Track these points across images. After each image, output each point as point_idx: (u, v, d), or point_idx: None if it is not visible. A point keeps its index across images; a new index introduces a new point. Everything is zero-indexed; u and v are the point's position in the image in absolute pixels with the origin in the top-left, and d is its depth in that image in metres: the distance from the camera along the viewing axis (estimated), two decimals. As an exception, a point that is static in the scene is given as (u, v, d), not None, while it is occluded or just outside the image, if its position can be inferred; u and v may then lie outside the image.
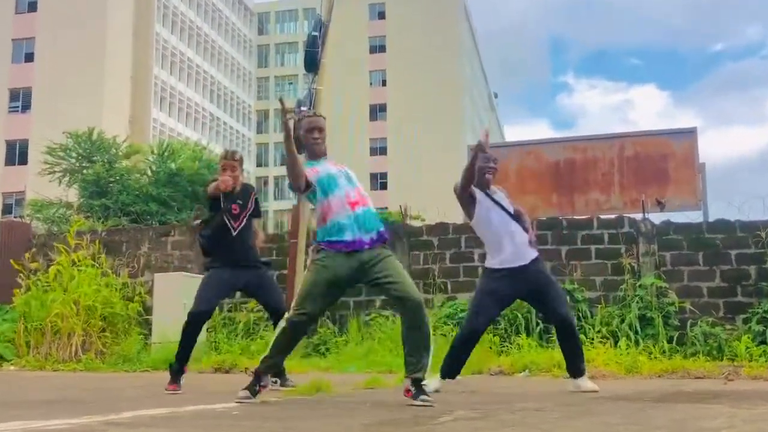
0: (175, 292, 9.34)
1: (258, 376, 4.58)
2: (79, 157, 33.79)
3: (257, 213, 6.11)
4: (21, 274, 10.90)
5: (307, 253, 9.64)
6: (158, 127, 54.02)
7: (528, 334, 9.23)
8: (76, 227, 11.96)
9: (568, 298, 9.49)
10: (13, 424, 3.34)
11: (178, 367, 5.67)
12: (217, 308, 10.57)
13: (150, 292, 10.85)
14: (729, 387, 6.05)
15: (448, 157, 49.29)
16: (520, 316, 9.39)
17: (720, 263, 9.74)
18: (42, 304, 10.29)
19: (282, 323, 4.63)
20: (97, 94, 47.35)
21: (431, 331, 4.52)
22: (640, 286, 9.58)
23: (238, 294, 10.65)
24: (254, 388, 4.54)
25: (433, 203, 14.62)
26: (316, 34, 9.63)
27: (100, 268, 10.88)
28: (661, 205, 11.21)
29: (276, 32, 74.85)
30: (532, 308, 9.31)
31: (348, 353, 9.30)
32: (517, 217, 5.37)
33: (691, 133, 12.04)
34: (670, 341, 8.96)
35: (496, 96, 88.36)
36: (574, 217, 11.07)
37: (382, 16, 64.60)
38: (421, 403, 4.20)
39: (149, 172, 33.11)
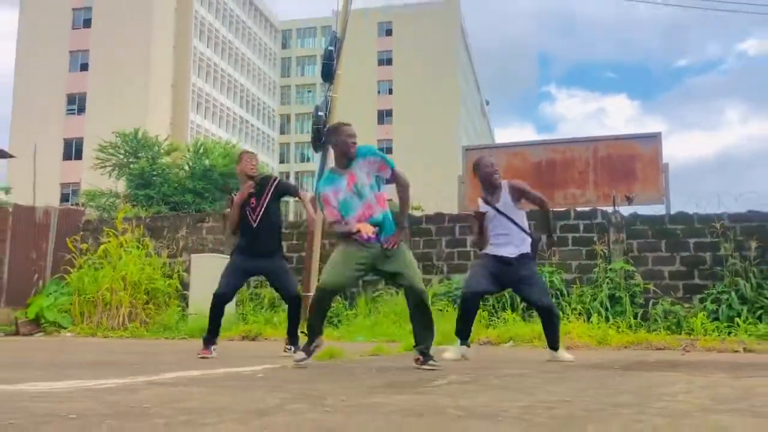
0: (208, 271, 9.37)
1: (310, 338, 4.68)
2: (127, 154, 33.84)
3: (286, 192, 5.99)
4: (74, 254, 10.96)
5: (329, 244, 9.66)
6: (195, 128, 54.01)
7: (513, 310, 9.24)
8: (123, 214, 12.03)
9: (546, 279, 9.51)
10: (69, 383, 3.36)
11: (208, 337, 5.70)
12: (245, 285, 10.73)
13: (187, 270, 10.88)
14: (686, 357, 6.05)
15: (444, 156, 49.34)
16: (506, 294, 9.39)
17: (680, 250, 9.71)
18: (94, 279, 10.35)
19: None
20: (143, 99, 47.39)
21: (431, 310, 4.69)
22: (610, 269, 9.57)
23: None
24: (309, 349, 4.66)
25: (431, 195, 14.64)
26: (332, 48, 9.59)
27: (144, 250, 10.94)
28: (629, 200, 11.16)
29: (297, 46, 74.76)
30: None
31: (357, 325, 9.32)
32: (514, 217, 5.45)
33: (655, 137, 11.97)
34: (635, 317, 8.96)
35: (487, 103, 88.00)
36: (554, 209, 11.04)
37: (389, 33, 64.37)
38: (430, 367, 4.42)
39: (186, 168, 33.13)
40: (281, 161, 70.90)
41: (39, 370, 4.39)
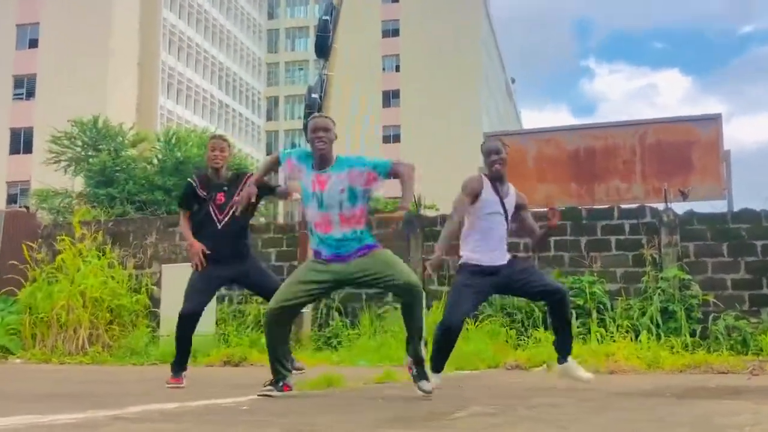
0: (183, 284, 9.30)
1: (282, 374, 4.72)
2: (85, 146, 33.93)
3: (268, 190, 5.87)
4: (27, 265, 10.98)
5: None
6: (165, 114, 54.18)
7: (546, 328, 9.22)
8: (80, 217, 12.04)
9: (585, 290, 9.50)
10: (19, 419, 3.37)
11: (178, 364, 5.69)
12: (226, 301, 10.76)
13: (158, 283, 10.91)
14: (754, 382, 6.02)
15: (463, 145, 49.17)
16: (537, 309, 9.38)
17: (745, 254, 9.68)
18: (48, 295, 10.37)
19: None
20: (103, 80, 47.49)
21: (424, 317, 4.70)
22: (662, 278, 9.54)
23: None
24: (278, 386, 4.66)
25: (448, 192, 14.61)
26: (327, 18, 9.63)
27: (106, 259, 10.96)
28: (684, 195, 11.13)
29: (286, 16, 74.83)
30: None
31: (360, 347, 9.32)
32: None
33: (715, 119, 11.94)
34: (692, 335, 8.94)
35: (513, 82, 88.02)
36: (594, 206, 11.03)
37: (395, -1, 64.41)
38: (423, 391, 4.52)
39: (155, 161, 33.20)
40: (268, 152, 70.99)
41: (-17, 403, 4.41)
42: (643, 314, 9.24)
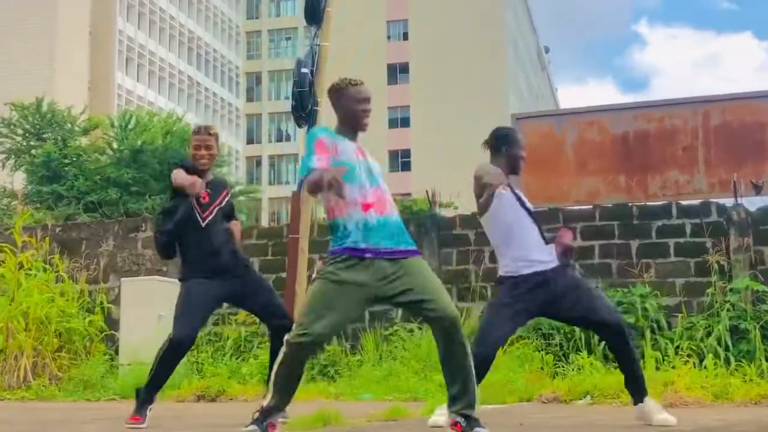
0: (146, 301, 9.43)
1: (265, 413, 4.56)
2: (26, 135, 34.05)
3: (231, 213, 6.07)
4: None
5: (319, 259, 9.67)
6: (124, 94, 54.39)
7: (590, 353, 9.21)
8: (21, 221, 12.05)
9: (637, 305, 9.50)
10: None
11: (146, 396, 5.70)
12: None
13: (116, 301, 10.92)
14: None
15: (487, 129, 48.86)
16: (578, 330, 9.38)
17: (834, 261, 9.67)
18: (-18, 317, 10.39)
19: (282, 348, 4.60)
20: (48, 54, 47.64)
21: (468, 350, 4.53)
22: (731, 290, 9.52)
23: (224, 304, 10.75)
24: (262, 425, 4.48)
25: (468, 188, 14.60)
26: (320, -24, 9.64)
27: (53, 272, 10.97)
28: (758, 188, 11.10)
29: (269, -26, 74.92)
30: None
31: (363, 376, 9.33)
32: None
33: (796, 95, 11.93)
34: (769, 360, 8.92)
35: (547, 51, 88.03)
36: (648, 203, 11.01)
37: (402, -49, 64.47)
38: None
39: (110, 151, 33.21)
40: (249, 140, 71.08)
41: None
42: (709, 334, 9.21)
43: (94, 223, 13.99)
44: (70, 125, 34.48)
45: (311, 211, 9.94)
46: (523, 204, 5.35)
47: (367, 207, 4.42)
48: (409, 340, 9.76)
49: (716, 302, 9.55)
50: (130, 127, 33.74)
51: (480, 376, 5.18)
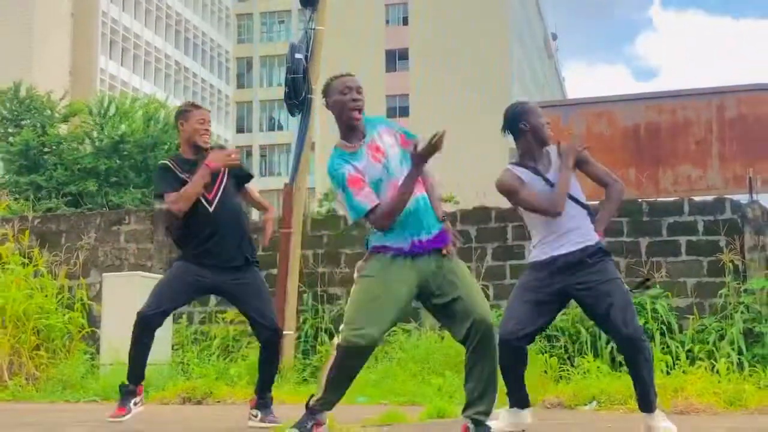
0: (129, 298, 9.38)
1: (312, 411, 4.75)
2: (3, 121, 33.98)
3: (245, 177, 6.01)
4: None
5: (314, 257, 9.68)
6: (107, 80, 54.31)
7: (596, 356, 9.23)
8: (0, 213, 12.05)
9: (647, 306, 9.51)
10: None
11: (131, 387, 5.72)
12: (186, 320, 10.76)
13: (97, 297, 10.91)
14: None
15: (489, 120, 48.89)
16: (584, 331, 9.39)
17: None
18: (-44, 313, 10.39)
19: (333, 350, 4.75)
20: (27, 36, 47.55)
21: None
22: (745, 291, 9.55)
23: (213, 300, 10.75)
24: (306, 426, 4.65)
25: (469, 180, 14.63)
26: (315, -45, 9.63)
27: (32, 266, 10.96)
28: (774, 184, 11.14)
29: (262, -46, 74.80)
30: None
31: (357, 378, 9.31)
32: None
33: (816, 86, 11.95)
34: (786, 364, 8.94)
35: (555, 38, 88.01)
36: (659, 199, 11.03)
37: (402, -69, 64.42)
38: None
39: (89, 140, 33.10)
40: (239, 129, 71.03)
41: None
42: (722, 338, 9.24)
43: (75, 215, 13.96)
44: (49, 111, 34.41)
45: (304, 205, 9.93)
46: (549, 183, 5.31)
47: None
48: (406, 341, 9.76)
49: (730, 304, 9.57)
50: (110, 114, 33.57)
51: (509, 363, 5.30)
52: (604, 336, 9.32)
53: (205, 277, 5.70)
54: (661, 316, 9.50)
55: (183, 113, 5.92)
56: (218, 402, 8.63)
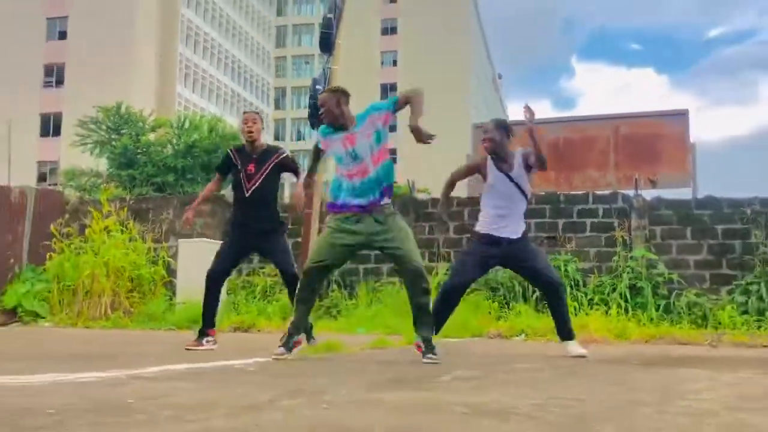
0: (197, 257, 9.38)
1: (290, 333, 4.75)
2: (109, 130, 33.75)
3: (287, 167, 5.88)
4: (54, 238, 10.96)
5: (321, 222, 9.66)
6: (183, 102, 53.86)
7: (525, 301, 9.26)
8: (106, 195, 12.02)
9: (561, 268, 9.53)
10: (48, 376, 3.38)
11: (202, 329, 5.71)
12: (235, 272, 10.75)
13: (174, 256, 10.90)
14: (712, 353, 6.07)
15: (454, 135, 49.01)
16: (517, 284, 9.42)
17: (707, 238, 9.70)
18: (74, 266, 10.36)
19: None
20: (126, 70, 47.19)
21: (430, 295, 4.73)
22: (631, 257, 9.57)
23: (256, 259, 10.74)
24: (288, 345, 4.69)
25: (439, 177, 14.59)
26: (331, 16, 9.54)
27: (128, 234, 10.94)
28: (653, 183, 11.15)
29: (294, 13, 74.35)
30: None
31: (357, 316, 9.35)
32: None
33: (683, 115, 11.94)
34: (657, 309, 8.98)
35: (500, 77, 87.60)
36: (571, 192, 11.03)
37: (393, 0, 63.99)
38: (429, 360, 4.44)
39: (170, 145, 33.04)
40: (276, 138, 70.74)
41: (15, 362, 4.42)
42: (614, 290, 9.27)
43: (159, 198, 13.90)
44: (141, 124, 34.18)
45: (321, 193, 9.91)
46: (510, 179, 5.32)
47: (350, 177, 4.67)
48: (392, 291, 9.77)
49: (620, 266, 9.60)
50: (185, 126, 33.48)
51: (447, 308, 5.32)
52: (531, 288, 9.36)
53: (248, 240, 5.73)
54: (571, 275, 9.53)
55: (242, 118, 6.01)
56: (259, 331, 8.65)
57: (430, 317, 4.66)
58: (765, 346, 6.83)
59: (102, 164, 32.95)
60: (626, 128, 12.04)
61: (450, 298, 5.28)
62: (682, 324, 8.56)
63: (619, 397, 2.91)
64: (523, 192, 5.29)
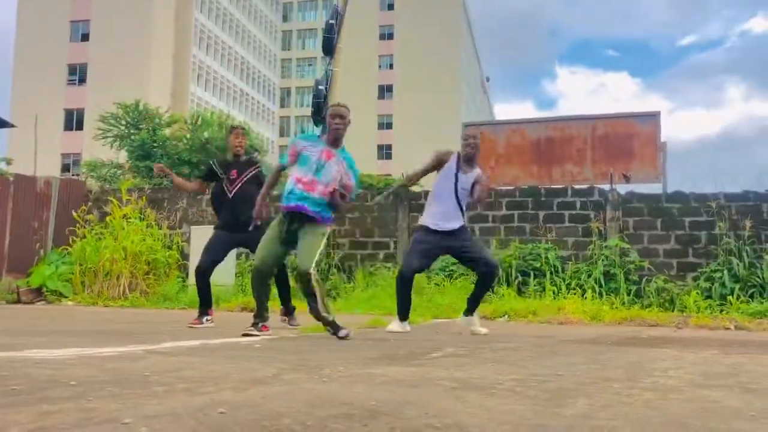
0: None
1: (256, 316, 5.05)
2: (128, 125, 33.60)
3: (260, 184, 5.80)
4: (77, 224, 10.95)
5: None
6: (195, 100, 53.66)
7: (508, 286, 9.28)
8: (126, 185, 12.01)
9: (542, 255, 9.54)
10: (70, 351, 3.38)
11: (201, 309, 5.79)
12: (243, 257, 10.76)
13: (187, 241, 10.90)
14: (678, 334, 6.09)
15: (445, 131, 48.97)
16: (501, 269, 9.43)
17: (675, 229, 9.74)
18: (96, 249, 10.36)
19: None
20: (144, 70, 46.99)
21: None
22: (606, 246, 9.60)
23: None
24: (258, 326, 4.96)
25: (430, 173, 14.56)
26: (333, 22, 9.52)
27: (145, 221, 10.94)
28: (626, 178, 11.16)
29: (298, 19, 73.99)
30: (513, 262, 9.36)
31: (354, 298, 9.37)
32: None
33: (654, 116, 11.92)
34: (629, 294, 9.01)
35: (488, 80, 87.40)
36: (552, 186, 11.04)
37: (391, 7, 63.67)
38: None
39: (185, 140, 32.93)
40: (281, 134, 70.56)
41: (41, 337, 4.42)
42: (589, 276, 9.30)
43: (173, 188, 13.86)
44: (158, 120, 34.03)
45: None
46: (457, 179, 5.42)
47: (300, 182, 4.71)
48: (386, 275, 9.79)
49: (595, 255, 9.63)
50: (198, 123, 33.37)
51: (404, 291, 5.52)
52: (514, 272, 9.38)
53: (233, 236, 5.86)
54: (551, 262, 9.56)
55: (229, 132, 6.12)
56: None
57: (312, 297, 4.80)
58: (727, 329, 6.87)
59: (121, 156, 32.85)
60: (602, 128, 12.03)
61: (405, 283, 5.40)
62: (651, 308, 8.60)
63: (592, 374, 2.93)
64: (464, 196, 5.43)
